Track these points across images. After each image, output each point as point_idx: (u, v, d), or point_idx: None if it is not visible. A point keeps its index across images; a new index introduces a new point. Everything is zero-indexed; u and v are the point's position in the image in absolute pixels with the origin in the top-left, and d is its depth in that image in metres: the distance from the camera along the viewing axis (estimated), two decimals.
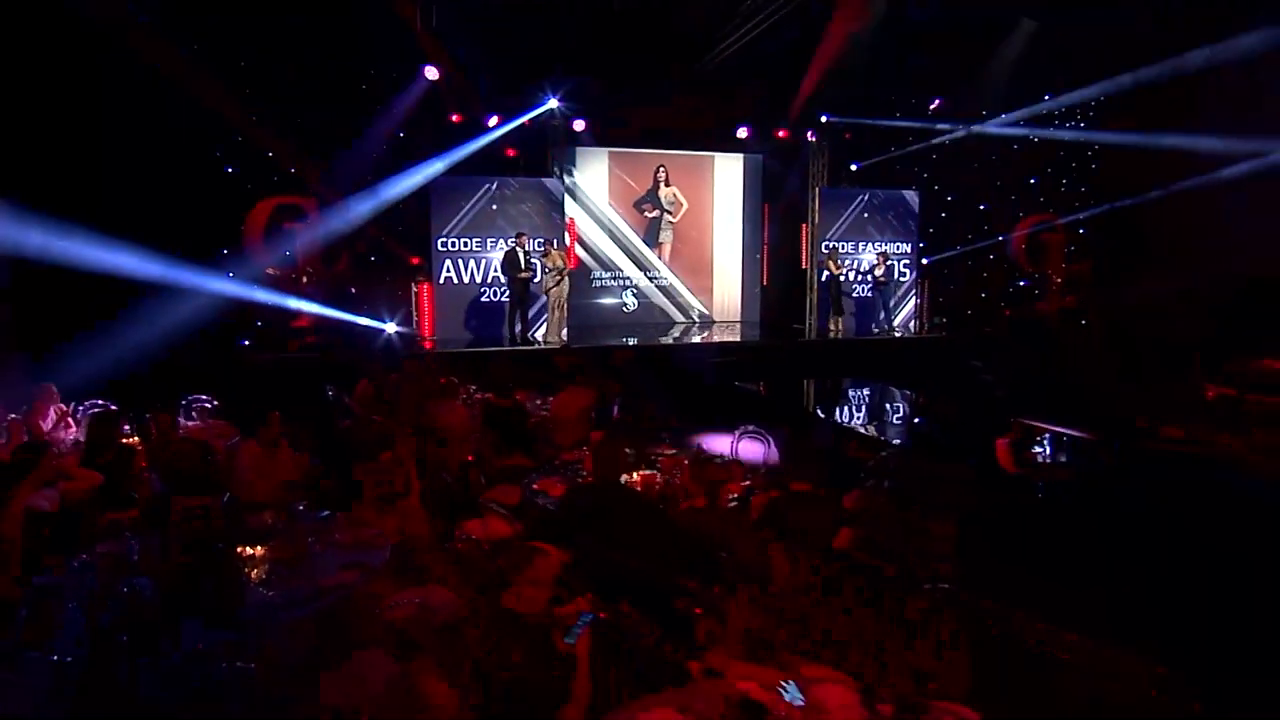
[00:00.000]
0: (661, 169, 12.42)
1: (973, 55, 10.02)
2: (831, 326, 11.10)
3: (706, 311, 12.90)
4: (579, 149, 11.81)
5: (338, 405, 6.24)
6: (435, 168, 9.64)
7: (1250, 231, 10.00)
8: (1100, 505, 6.37)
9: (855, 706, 2.14)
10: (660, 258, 12.65)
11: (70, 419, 5.62)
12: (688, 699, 2.22)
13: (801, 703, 2.20)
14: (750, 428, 4.96)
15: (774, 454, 4.73)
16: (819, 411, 9.83)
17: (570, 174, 11.74)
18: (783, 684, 2.27)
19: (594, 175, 12.15)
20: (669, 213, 12.59)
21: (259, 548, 3.29)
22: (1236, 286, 10.05)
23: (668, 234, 12.64)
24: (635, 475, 4.34)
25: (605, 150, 12.03)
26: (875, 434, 8.59)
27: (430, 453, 4.79)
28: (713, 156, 12.68)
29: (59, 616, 2.87)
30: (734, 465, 4.51)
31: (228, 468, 4.48)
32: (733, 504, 3.91)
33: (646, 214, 12.54)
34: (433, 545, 3.70)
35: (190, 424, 5.73)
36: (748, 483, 4.25)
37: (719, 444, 5.26)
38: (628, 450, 4.83)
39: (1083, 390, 9.48)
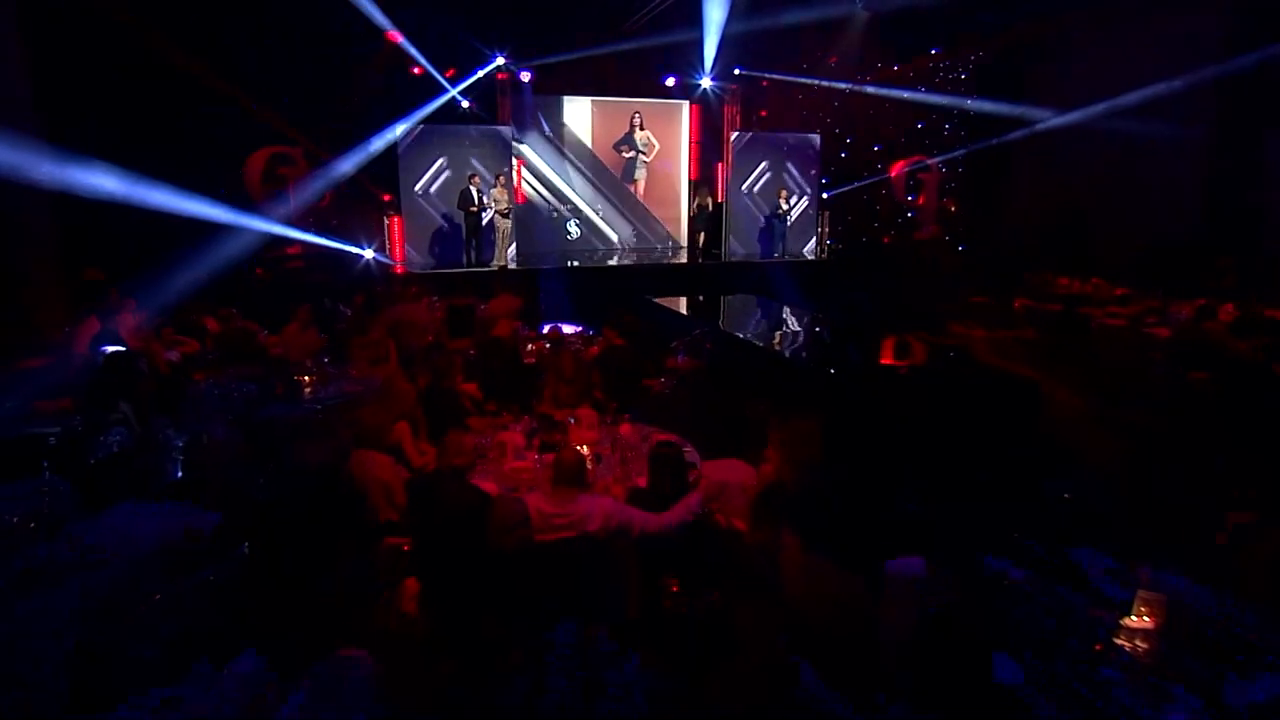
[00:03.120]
0: (637, 115, 14.74)
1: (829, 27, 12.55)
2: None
3: (674, 238, 15.45)
4: (566, 98, 14.18)
5: (334, 310, 8.96)
6: (403, 127, 12.08)
7: (1069, 175, 12.80)
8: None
9: (595, 417, 5.00)
10: (636, 192, 15.12)
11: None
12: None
13: (575, 420, 5.05)
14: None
15: None
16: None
17: (555, 120, 14.16)
18: (570, 415, 5.13)
19: (578, 121, 14.53)
20: (643, 153, 14.99)
21: (307, 377, 6.06)
22: (1060, 219, 12.87)
23: (642, 172, 15.01)
24: (531, 346, 7.14)
25: (588, 99, 14.37)
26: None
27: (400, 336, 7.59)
28: (680, 104, 15.01)
29: (204, 407, 5.64)
30: (598, 338, 7.33)
31: (267, 345, 7.22)
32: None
33: (624, 154, 14.92)
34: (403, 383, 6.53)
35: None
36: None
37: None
38: (531, 332, 7.69)
39: (934, 304, 12.34)
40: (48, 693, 2.52)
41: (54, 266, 9.81)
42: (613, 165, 14.91)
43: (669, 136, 15.17)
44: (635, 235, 15.26)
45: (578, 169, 14.75)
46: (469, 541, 3.16)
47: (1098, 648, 2.68)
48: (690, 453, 4.79)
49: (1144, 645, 2.74)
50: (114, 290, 8.22)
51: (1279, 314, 9.19)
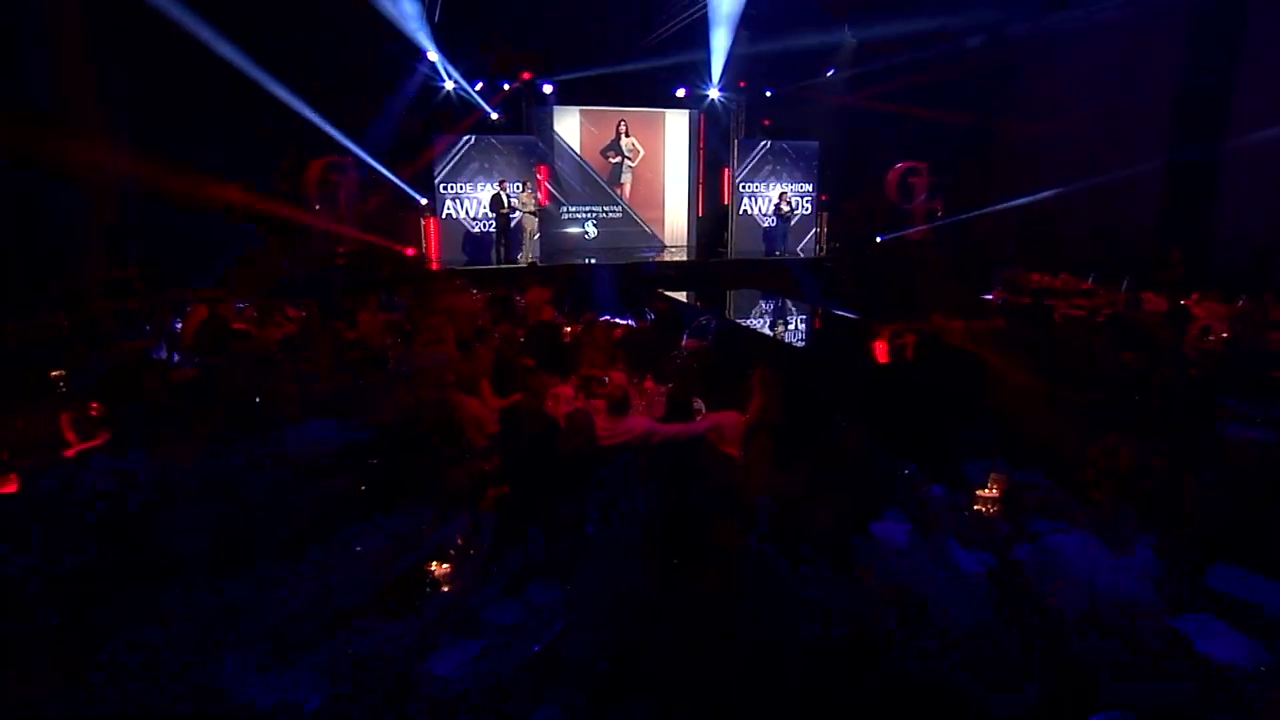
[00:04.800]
0: (622, 123, 16.41)
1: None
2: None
3: (659, 237, 17.09)
4: (556, 108, 15.75)
5: (389, 300, 10.60)
6: (440, 137, 13.75)
7: (1042, 179, 14.31)
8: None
9: (625, 379, 6.59)
10: (621, 195, 16.78)
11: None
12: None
13: (608, 380, 6.65)
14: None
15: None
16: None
17: (549, 128, 15.75)
18: (604, 376, 6.73)
19: (568, 129, 16.16)
20: (628, 158, 16.64)
21: (390, 352, 7.69)
22: (1030, 219, 14.38)
23: (628, 176, 16.74)
24: (567, 329, 8.74)
25: (577, 109, 16.00)
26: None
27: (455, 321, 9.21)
28: (664, 112, 16.63)
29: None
30: (621, 324, 8.92)
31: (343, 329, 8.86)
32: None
33: (610, 160, 16.60)
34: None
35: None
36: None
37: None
38: (564, 318, 9.30)
39: (919, 299, 13.85)
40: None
41: (99, 260, 11.35)
42: (600, 170, 16.57)
43: (653, 143, 16.77)
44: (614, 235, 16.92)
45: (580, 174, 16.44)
46: (547, 449, 4.75)
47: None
48: (696, 401, 6.38)
49: (989, 506, 4.33)
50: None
51: (1216, 304, 10.73)
